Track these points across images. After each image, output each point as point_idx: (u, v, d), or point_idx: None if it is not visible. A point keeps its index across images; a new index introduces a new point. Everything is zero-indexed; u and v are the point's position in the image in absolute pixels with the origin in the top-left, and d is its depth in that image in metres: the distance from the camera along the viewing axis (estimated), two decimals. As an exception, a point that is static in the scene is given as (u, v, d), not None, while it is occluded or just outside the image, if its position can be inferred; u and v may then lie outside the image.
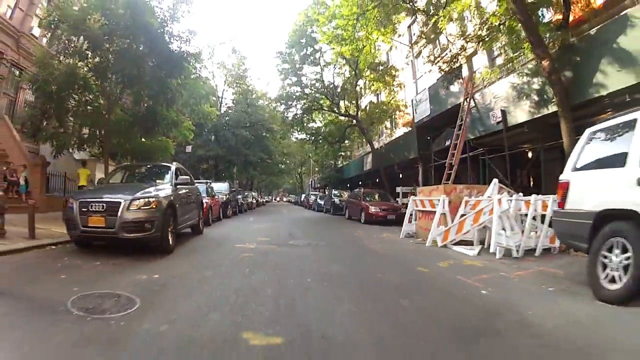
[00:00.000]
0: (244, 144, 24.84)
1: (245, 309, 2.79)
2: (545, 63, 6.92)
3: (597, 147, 3.83)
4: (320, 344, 2.18)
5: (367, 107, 19.75)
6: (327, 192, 25.48)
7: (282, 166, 41.71)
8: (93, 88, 8.55)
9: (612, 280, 3.12)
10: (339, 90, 19.25)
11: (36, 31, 12.53)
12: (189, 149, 18.57)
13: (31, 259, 4.63)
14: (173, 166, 6.82)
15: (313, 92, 20.03)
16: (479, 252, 5.84)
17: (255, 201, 25.56)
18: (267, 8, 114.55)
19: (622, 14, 6.77)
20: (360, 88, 17.97)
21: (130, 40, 8.51)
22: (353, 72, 16.77)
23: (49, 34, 9.97)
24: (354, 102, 18.50)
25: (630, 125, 3.36)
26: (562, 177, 4.03)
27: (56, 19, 8.21)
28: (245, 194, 21.97)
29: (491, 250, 5.65)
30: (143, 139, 10.23)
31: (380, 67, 16.60)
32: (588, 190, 3.65)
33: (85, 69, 8.25)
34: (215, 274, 4.06)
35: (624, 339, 2.39)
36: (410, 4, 10.56)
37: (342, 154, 27.86)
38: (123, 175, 6.86)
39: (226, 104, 29.04)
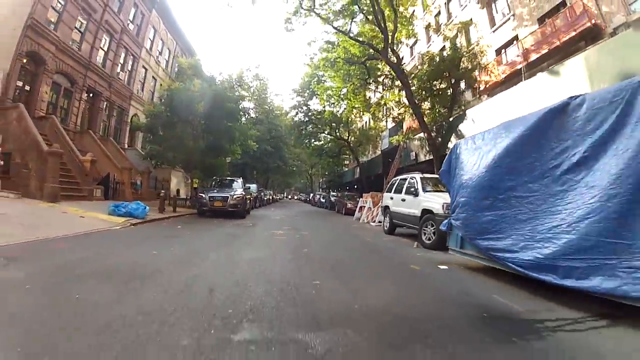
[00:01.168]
0: (265, 154, 32.33)
1: (280, 224, 10.10)
2: (426, 135, 13.99)
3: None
4: (304, 245, 9.49)
5: (357, 132, 26.97)
6: (327, 193, 32.79)
7: (294, 168, 49.08)
8: (185, 133, 16.01)
9: (428, 239, 7.83)
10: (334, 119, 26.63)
11: (121, 75, 19.79)
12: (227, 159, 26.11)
13: (182, 219, 12.01)
14: (240, 179, 14.28)
15: (316, 119, 27.42)
16: (376, 225, 13.02)
17: (271, 198, 33.10)
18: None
19: (461, 113, 13.84)
20: (350, 120, 25.17)
21: (212, 110, 15.92)
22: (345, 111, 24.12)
23: (161, 100, 17.61)
24: (346, 128, 25.82)
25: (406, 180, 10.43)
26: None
27: (167, 95, 15.70)
28: (265, 192, 29.47)
29: (377, 223, 12.80)
30: (211, 161, 17.68)
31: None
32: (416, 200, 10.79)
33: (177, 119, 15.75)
34: (267, 223, 11.40)
35: (422, 255, 9.59)
36: (373, 84, 17.77)
37: (338, 167, 34.91)
38: (216, 183, 14.34)
39: (251, 119, 36.55)
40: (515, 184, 4.06)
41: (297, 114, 28.83)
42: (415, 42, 20.55)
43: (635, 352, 2.43)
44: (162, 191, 13.23)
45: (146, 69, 21.89)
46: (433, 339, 2.38)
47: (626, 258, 2.88)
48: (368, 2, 13.74)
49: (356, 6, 14.25)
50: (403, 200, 9.12)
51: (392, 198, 9.93)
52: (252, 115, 32.33)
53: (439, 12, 19.26)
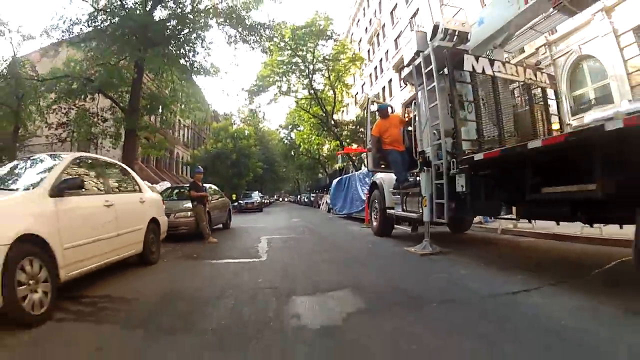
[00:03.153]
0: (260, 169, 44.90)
1: (281, 212, 22.81)
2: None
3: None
4: (294, 229, 22.30)
5: (325, 154, 39.74)
6: (309, 194, 45.67)
7: (283, 174, 61.63)
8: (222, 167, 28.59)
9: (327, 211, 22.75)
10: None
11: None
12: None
13: (234, 213, 24.73)
14: (257, 192, 27.02)
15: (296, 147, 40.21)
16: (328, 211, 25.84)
17: (266, 201, 45.81)
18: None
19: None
20: (318, 148, 37.88)
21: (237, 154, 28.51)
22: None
23: (206, 147, 30.16)
24: (316, 153, 38.63)
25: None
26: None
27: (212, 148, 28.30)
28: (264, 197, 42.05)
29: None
30: (236, 182, 30.26)
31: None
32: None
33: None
34: (274, 213, 24.12)
35: (333, 217, 22.42)
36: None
37: (315, 176, 47.75)
38: (244, 195, 26.98)
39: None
40: (342, 191, 16.93)
41: (284, 141, 41.54)
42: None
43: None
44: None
45: (186, 126, 34.37)
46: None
47: (350, 206, 15.77)
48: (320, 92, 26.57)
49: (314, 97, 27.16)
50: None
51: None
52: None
53: (364, 83, 32.28)
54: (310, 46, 24.72)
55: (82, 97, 13.75)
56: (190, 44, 13.09)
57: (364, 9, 37.82)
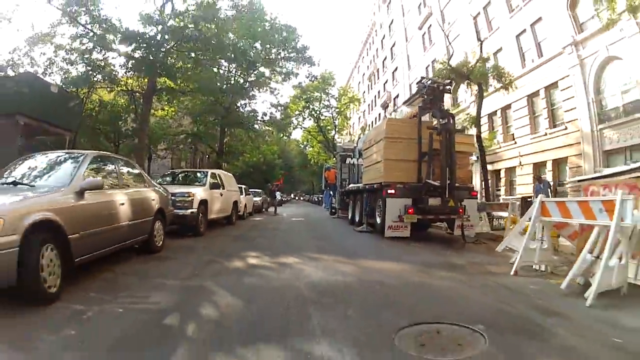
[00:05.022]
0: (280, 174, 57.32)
1: (295, 208, 35.01)
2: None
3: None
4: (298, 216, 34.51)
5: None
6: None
7: (299, 177, 73.83)
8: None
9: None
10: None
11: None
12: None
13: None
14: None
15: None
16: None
17: (285, 199, 58.15)
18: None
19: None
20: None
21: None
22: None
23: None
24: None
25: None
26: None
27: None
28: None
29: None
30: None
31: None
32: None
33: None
34: (292, 208, 36.34)
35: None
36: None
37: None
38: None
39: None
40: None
41: (301, 153, 53.79)
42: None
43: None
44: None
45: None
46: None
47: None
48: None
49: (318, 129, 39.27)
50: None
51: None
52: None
53: (359, 117, 44.01)
54: (317, 95, 36.81)
55: (190, 142, 26.39)
56: (253, 121, 25.59)
57: (362, 57, 49.64)
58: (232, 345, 2.47)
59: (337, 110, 38.28)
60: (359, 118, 49.44)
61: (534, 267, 5.05)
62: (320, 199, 54.23)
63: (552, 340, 2.59)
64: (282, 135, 41.03)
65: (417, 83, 8.85)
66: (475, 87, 13.80)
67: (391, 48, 37.98)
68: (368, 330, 2.72)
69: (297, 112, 37.49)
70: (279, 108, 27.53)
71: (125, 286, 3.90)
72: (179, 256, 5.78)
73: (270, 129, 29.83)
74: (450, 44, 18.26)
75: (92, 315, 2.96)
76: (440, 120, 7.90)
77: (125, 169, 5.46)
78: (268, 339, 2.55)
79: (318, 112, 37.64)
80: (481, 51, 13.49)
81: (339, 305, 3.35)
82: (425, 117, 8.65)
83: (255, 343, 2.49)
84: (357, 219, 11.40)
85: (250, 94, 26.03)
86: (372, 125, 42.89)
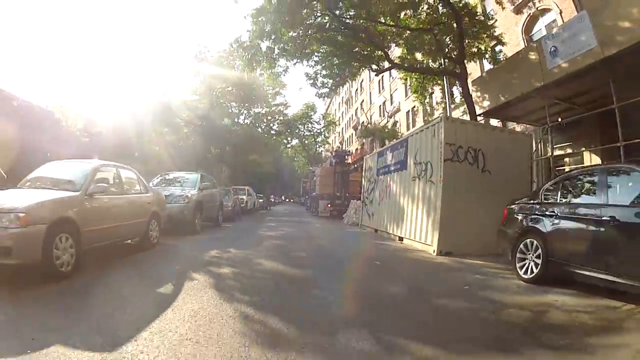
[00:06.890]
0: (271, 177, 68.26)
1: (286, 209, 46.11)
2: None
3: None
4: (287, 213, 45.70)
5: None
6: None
7: (289, 181, 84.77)
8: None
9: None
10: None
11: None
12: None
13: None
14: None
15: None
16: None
17: (274, 201, 69.27)
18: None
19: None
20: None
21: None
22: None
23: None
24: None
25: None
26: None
27: None
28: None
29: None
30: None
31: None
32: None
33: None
34: (284, 207, 47.50)
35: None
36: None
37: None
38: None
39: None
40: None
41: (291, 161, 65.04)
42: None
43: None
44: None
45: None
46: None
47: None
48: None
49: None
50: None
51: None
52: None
53: (335, 137, 55.40)
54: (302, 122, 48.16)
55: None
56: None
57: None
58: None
59: (318, 132, 49.63)
60: (339, 133, 60.69)
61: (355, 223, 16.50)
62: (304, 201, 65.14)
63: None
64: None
65: (334, 151, 20.38)
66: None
67: (361, 82, 49.47)
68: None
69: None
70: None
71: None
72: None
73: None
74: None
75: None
76: (342, 168, 19.42)
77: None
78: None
79: (302, 134, 49.00)
80: (387, 120, 25.08)
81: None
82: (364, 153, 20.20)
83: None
84: (312, 209, 22.72)
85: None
86: (348, 142, 54.45)
